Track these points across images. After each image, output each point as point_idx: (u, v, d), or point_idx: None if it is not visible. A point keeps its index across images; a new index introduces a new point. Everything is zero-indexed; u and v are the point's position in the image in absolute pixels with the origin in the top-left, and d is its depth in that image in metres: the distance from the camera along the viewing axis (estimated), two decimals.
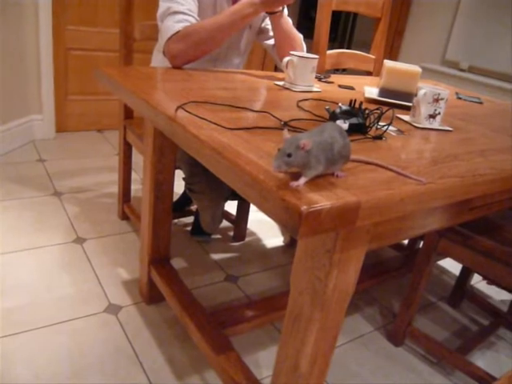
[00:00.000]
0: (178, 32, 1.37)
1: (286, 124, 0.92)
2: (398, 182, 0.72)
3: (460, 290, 1.79)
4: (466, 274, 1.76)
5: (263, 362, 1.39)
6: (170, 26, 1.38)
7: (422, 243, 1.44)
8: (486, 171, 0.86)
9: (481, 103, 1.69)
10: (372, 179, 0.72)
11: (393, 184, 0.71)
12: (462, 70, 3.21)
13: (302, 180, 0.64)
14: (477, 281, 1.98)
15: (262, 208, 0.65)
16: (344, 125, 0.92)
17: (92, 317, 1.47)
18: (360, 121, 0.95)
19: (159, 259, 1.49)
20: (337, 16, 1.83)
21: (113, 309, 1.52)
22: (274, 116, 0.99)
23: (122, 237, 1.95)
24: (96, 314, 1.49)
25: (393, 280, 1.92)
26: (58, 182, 2.36)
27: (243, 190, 0.69)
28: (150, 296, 1.54)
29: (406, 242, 2.10)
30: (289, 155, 0.63)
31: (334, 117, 0.96)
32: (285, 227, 0.60)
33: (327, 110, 1.00)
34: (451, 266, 2.09)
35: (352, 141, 0.83)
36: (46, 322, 1.42)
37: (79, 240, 1.88)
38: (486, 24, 3.09)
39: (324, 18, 1.79)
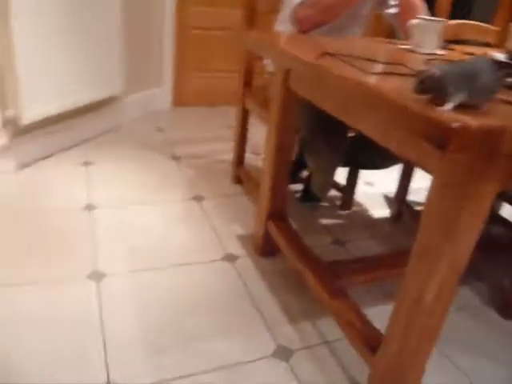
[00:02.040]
0: None
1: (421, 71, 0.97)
2: None
3: None
4: None
5: (374, 315, 1.44)
6: None
7: None
8: None
9: None
10: None
11: None
12: None
13: (448, 105, 0.69)
14: None
15: (408, 133, 0.71)
16: None
17: (210, 263, 1.61)
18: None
19: (277, 214, 1.59)
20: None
21: (229, 257, 1.65)
22: (407, 67, 1.03)
23: (236, 198, 2.09)
24: (213, 261, 1.62)
25: (503, 258, 1.87)
26: (175, 148, 2.56)
27: (388, 123, 0.75)
28: (265, 249, 1.65)
29: None
30: (421, 82, 0.72)
31: None
32: (433, 145, 0.66)
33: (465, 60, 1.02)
34: None
35: None
36: (167, 263, 1.58)
37: (197, 198, 2.04)
38: None
39: None
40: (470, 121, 0.65)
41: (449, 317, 0.94)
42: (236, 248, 1.71)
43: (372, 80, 0.86)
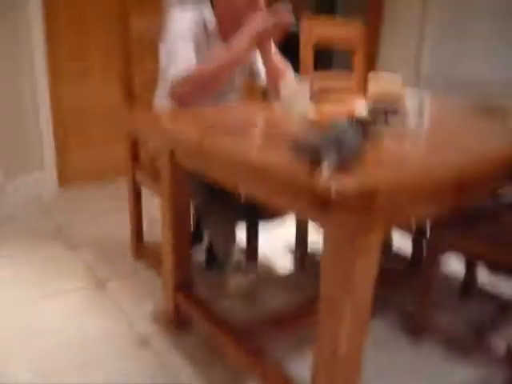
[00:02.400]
0: (182, 76, 1.51)
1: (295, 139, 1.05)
2: (403, 170, 0.85)
3: (468, 285, 1.89)
4: (470, 268, 1.86)
5: (301, 367, 1.45)
6: (174, 71, 1.53)
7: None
8: (476, 155, 0.99)
9: (460, 107, 1.84)
10: (381, 169, 0.84)
11: (399, 171, 0.84)
12: (437, 85, 3.42)
13: (324, 170, 0.75)
14: (483, 275, 2.06)
15: (293, 200, 0.76)
16: None
17: (123, 351, 1.53)
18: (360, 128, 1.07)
19: (184, 285, 1.57)
20: (314, 54, 2.04)
21: (143, 340, 1.58)
22: (283, 132, 1.11)
23: (140, 275, 2.03)
24: (127, 348, 1.55)
25: (403, 285, 2.01)
26: (68, 232, 2.44)
27: (273, 191, 0.80)
28: (178, 323, 1.61)
29: (410, 247, 2.20)
30: (299, 150, 0.78)
31: None
32: (316, 211, 0.71)
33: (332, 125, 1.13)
34: (456, 266, 2.18)
35: None
36: (79, 362, 1.48)
37: (99, 283, 1.95)
38: (453, 35, 3.33)
39: (307, 46, 1.97)
40: (346, 184, 0.71)
41: (366, 353, 0.99)
42: (148, 328, 1.65)
43: (252, 151, 0.91)
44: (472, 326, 1.73)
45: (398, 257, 2.22)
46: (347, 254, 0.84)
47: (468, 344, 1.57)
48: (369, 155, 0.90)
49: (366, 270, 0.87)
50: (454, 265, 2.18)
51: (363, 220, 0.80)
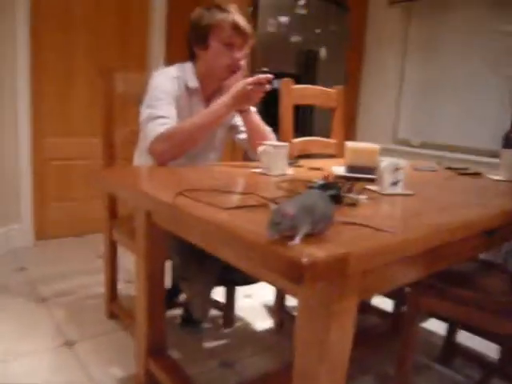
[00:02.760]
0: (161, 134, 1.52)
1: (272, 201, 1.04)
2: (377, 236, 0.84)
3: (449, 348, 1.86)
4: (451, 330, 1.84)
5: None
6: (154, 128, 1.54)
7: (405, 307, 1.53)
8: (449, 221, 0.99)
9: (435, 171, 1.88)
10: (355, 235, 0.83)
11: (373, 238, 0.83)
12: (413, 147, 3.52)
13: (297, 239, 0.75)
14: (464, 337, 2.04)
15: (265, 269, 0.75)
16: None
17: None
18: (335, 192, 1.08)
19: (156, 349, 1.51)
20: (295, 111, 2.07)
21: None
22: (259, 196, 1.11)
23: (112, 335, 1.95)
24: None
25: (382, 347, 1.97)
26: (41, 288, 2.36)
27: (245, 258, 0.79)
28: None
29: (390, 308, 2.17)
30: (277, 224, 0.75)
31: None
32: (288, 280, 0.70)
33: (308, 186, 1.13)
34: (437, 327, 2.16)
35: None
36: None
37: (68, 343, 1.87)
38: (427, 103, 3.47)
39: (287, 110, 2.01)
40: (318, 253, 0.70)
41: None
42: None
43: (225, 217, 0.90)
44: None
45: (379, 313, 2.19)
46: (321, 320, 0.82)
47: None
48: (343, 221, 0.90)
49: (342, 336, 0.84)
50: (435, 326, 2.16)
51: (336, 287, 0.78)
